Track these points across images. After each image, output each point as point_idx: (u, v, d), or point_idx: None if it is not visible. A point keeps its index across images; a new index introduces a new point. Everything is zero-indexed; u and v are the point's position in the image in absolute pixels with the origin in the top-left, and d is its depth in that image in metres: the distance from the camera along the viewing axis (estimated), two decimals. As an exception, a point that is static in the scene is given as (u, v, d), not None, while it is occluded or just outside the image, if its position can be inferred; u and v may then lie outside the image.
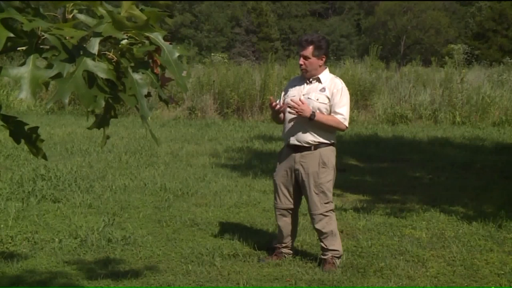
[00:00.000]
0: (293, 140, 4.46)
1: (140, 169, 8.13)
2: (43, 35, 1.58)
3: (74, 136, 11.06)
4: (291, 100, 4.39)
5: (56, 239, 4.94)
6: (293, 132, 4.45)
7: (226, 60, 17.89)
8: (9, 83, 16.50)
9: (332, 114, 4.42)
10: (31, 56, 1.57)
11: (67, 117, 14.56)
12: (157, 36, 1.73)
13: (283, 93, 4.67)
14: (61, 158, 8.80)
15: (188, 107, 15.50)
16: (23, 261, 4.47)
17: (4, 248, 4.75)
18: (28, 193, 6.39)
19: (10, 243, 4.88)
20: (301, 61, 4.45)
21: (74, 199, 6.28)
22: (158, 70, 1.81)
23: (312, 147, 4.42)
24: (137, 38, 1.74)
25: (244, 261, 4.53)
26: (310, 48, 4.40)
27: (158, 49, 1.76)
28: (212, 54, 19.49)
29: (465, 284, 4.19)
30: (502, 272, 4.40)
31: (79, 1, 1.67)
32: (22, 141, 1.84)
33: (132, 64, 1.73)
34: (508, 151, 10.40)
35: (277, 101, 4.64)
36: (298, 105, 4.32)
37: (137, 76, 1.73)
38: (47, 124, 12.59)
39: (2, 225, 5.29)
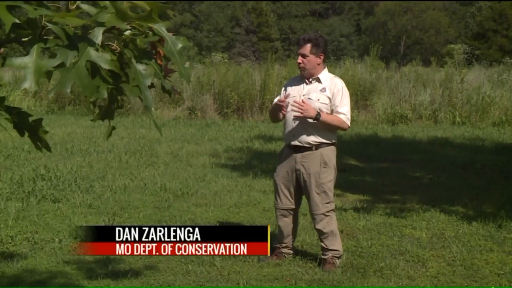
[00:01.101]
0: (294, 141, 4.45)
1: (140, 169, 8.13)
2: (46, 25, 1.58)
3: (74, 136, 11.07)
4: (294, 101, 4.38)
5: (56, 239, 4.94)
6: (294, 132, 4.45)
7: (226, 60, 17.90)
8: (9, 83, 16.50)
9: (334, 114, 4.41)
10: (35, 46, 1.57)
11: (67, 117, 14.56)
12: (160, 27, 1.73)
13: (282, 90, 4.65)
14: (61, 158, 8.80)
15: (188, 107, 15.50)
16: (23, 261, 4.47)
17: (4, 248, 4.75)
18: (28, 193, 6.40)
19: (10, 243, 4.88)
20: (300, 59, 4.44)
21: (74, 199, 6.28)
22: (161, 61, 1.81)
23: (313, 147, 4.42)
24: (140, 28, 1.74)
25: (244, 261, 4.52)
26: (308, 46, 4.40)
27: (162, 40, 1.76)
28: (213, 54, 19.49)
29: (465, 284, 4.19)
30: (502, 272, 4.40)
31: None
32: (25, 135, 1.84)
33: (136, 55, 1.73)
34: (508, 151, 10.40)
35: (275, 100, 4.63)
36: (302, 106, 4.32)
37: (140, 67, 1.73)
38: (47, 124, 12.57)
39: (2, 225, 5.29)
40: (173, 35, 1.76)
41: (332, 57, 25.72)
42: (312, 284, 4.14)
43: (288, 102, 4.48)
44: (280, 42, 48.07)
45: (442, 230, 5.46)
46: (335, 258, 4.45)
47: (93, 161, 8.58)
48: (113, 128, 1.94)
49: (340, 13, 55.37)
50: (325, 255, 4.45)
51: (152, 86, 1.77)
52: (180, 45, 1.76)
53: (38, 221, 5.46)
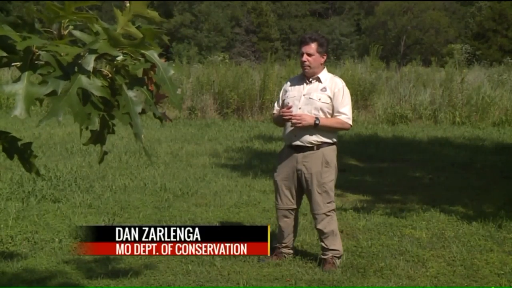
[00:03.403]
0: (295, 141, 4.45)
1: (140, 169, 8.13)
2: (38, 52, 1.57)
3: (74, 136, 11.06)
4: (291, 115, 4.38)
5: (56, 239, 4.95)
6: (295, 132, 4.45)
7: (227, 61, 17.88)
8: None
9: (335, 114, 4.42)
10: (26, 73, 1.55)
11: (67, 117, 14.43)
12: (153, 54, 1.72)
13: (281, 93, 4.66)
14: (61, 158, 8.80)
15: (188, 107, 15.50)
16: (23, 261, 4.47)
17: (4, 248, 4.75)
18: (28, 193, 6.40)
19: (10, 243, 4.88)
20: (305, 57, 4.44)
21: (74, 199, 6.28)
22: (153, 87, 1.80)
23: (315, 147, 4.43)
24: (132, 55, 1.73)
25: (244, 261, 4.52)
26: (314, 44, 4.43)
27: (154, 66, 1.75)
28: (214, 55, 19.44)
29: (465, 284, 4.19)
30: (502, 272, 4.41)
31: (75, 18, 1.66)
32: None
33: (127, 81, 1.72)
34: (508, 151, 10.40)
35: (275, 104, 4.65)
36: (299, 117, 4.34)
37: (131, 94, 1.72)
38: (47, 124, 12.51)
39: (2, 225, 5.29)
40: (165, 61, 1.75)
41: (332, 57, 25.71)
42: (312, 284, 4.14)
43: (288, 103, 4.49)
44: (280, 42, 48.04)
45: (442, 230, 5.46)
46: (335, 258, 4.45)
47: (93, 161, 8.57)
48: (105, 153, 1.92)
49: (340, 13, 55.33)
50: (325, 255, 4.46)
51: (143, 112, 1.76)
52: (172, 72, 1.76)
53: (38, 221, 5.46)
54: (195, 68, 17.48)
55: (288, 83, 4.69)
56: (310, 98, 4.43)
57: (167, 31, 1.80)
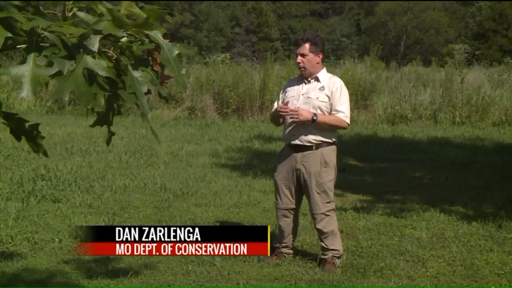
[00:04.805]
0: (294, 140, 4.46)
1: (140, 169, 8.13)
2: (43, 33, 1.58)
3: (74, 136, 11.07)
4: (289, 109, 4.38)
5: (56, 239, 4.95)
6: (294, 132, 4.45)
7: (227, 62, 17.87)
8: (9, 83, 16.50)
9: (333, 112, 4.42)
10: (31, 55, 1.56)
11: (67, 117, 14.56)
12: (157, 34, 1.73)
13: (281, 93, 4.67)
14: (61, 158, 8.80)
15: (188, 107, 15.50)
16: (23, 261, 4.47)
17: (4, 248, 4.75)
18: (28, 193, 6.39)
19: (10, 243, 4.88)
20: (299, 59, 4.46)
21: (74, 199, 6.28)
22: (157, 68, 1.81)
23: (314, 147, 4.43)
24: (136, 35, 1.74)
25: (244, 261, 4.52)
26: (307, 45, 4.43)
27: (158, 47, 1.76)
28: (216, 56, 19.42)
29: (465, 284, 4.19)
30: (502, 272, 4.41)
31: None
32: (23, 138, 1.85)
33: (132, 62, 1.74)
34: (508, 151, 10.40)
35: (275, 104, 4.67)
36: (296, 112, 4.34)
37: (137, 74, 1.74)
38: (47, 124, 12.58)
39: (2, 225, 5.29)
40: (169, 41, 1.76)
41: (332, 57, 25.73)
42: (312, 284, 4.14)
43: (288, 102, 4.49)
44: (280, 42, 48.03)
45: (442, 230, 5.46)
46: (335, 258, 4.45)
47: (93, 161, 8.58)
48: (112, 133, 1.94)
49: (340, 13, 55.33)
50: (325, 255, 4.46)
51: (148, 92, 1.77)
52: (176, 52, 1.77)
53: (38, 221, 5.46)
54: (194, 68, 17.47)
55: (288, 83, 4.72)
56: (308, 97, 4.44)
57: (169, 10, 1.81)
